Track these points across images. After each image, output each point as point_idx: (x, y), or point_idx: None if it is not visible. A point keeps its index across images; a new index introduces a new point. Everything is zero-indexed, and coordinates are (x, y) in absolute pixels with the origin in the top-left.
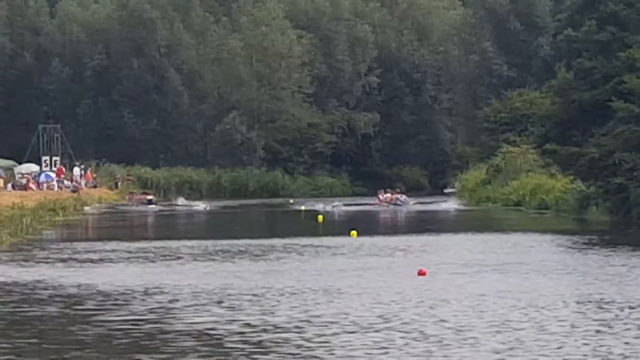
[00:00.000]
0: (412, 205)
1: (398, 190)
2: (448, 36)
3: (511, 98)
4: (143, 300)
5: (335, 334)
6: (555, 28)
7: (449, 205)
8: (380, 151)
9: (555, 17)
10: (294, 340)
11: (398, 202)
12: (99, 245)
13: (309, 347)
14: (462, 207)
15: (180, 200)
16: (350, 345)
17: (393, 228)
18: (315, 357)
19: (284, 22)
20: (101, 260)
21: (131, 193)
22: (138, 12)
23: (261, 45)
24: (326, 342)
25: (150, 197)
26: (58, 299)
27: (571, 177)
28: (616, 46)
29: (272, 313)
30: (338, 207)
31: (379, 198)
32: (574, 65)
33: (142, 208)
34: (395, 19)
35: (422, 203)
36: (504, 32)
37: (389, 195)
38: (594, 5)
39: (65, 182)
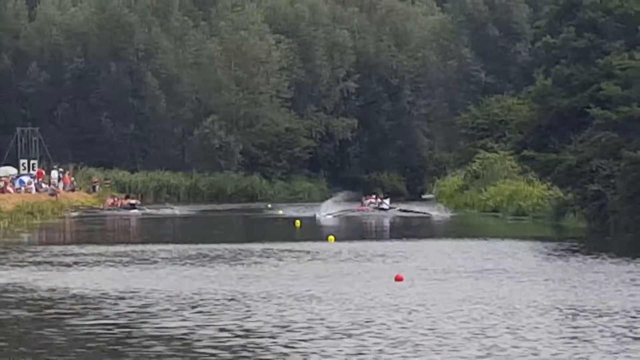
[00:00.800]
0: (397, 211)
1: (382, 195)
2: (426, 42)
3: (489, 104)
4: (115, 304)
5: (310, 339)
6: (533, 35)
7: (440, 213)
8: (358, 156)
9: (533, 24)
10: (269, 345)
11: (383, 206)
12: (75, 248)
13: (283, 353)
14: (450, 215)
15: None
16: (324, 352)
17: (371, 233)
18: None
19: (263, 26)
20: (76, 263)
21: (114, 197)
22: (116, 15)
23: (240, 49)
24: (301, 348)
25: (133, 201)
26: (29, 302)
27: (548, 184)
28: (594, 53)
29: (247, 318)
30: (329, 214)
31: (362, 203)
32: (552, 72)
33: (123, 212)
34: (374, 25)
35: (406, 210)
36: (482, 38)
37: (372, 200)
38: (572, 12)
39: (44, 185)
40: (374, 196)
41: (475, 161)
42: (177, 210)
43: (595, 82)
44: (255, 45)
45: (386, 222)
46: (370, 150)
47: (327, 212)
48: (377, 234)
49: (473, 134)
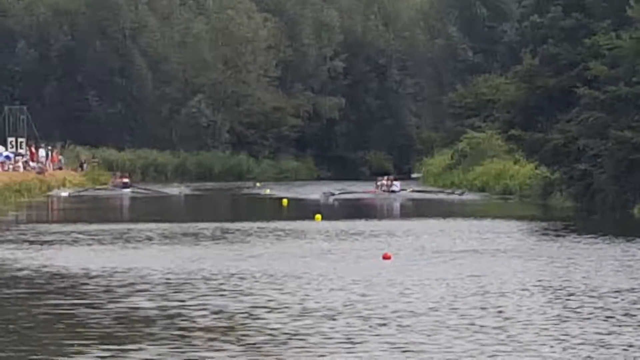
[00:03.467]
0: (409, 192)
1: (392, 177)
2: (414, 21)
3: (476, 84)
4: (93, 283)
5: (295, 319)
6: (520, 14)
7: (454, 194)
8: (345, 135)
9: (520, 3)
10: (253, 325)
11: (393, 188)
12: (62, 227)
13: (269, 333)
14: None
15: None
16: (309, 330)
17: (359, 213)
18: (275, 342)
19: (250, 5)
20: (61, 242)
21: (118, 175)
22: None
23: (227, 28)
24: (286, 328)
25: (126, 180)
26: (7, 280)
27: (536, 163)
28: (581, 33)
29: (233, 298)
30: (333, 196)
31: (376, 185)
32: (539, 51)
33: (116, 192)
34: (362, 4)
35: (419, 191)
36: (470, 17)
37: (384, 182)
38: None
39: (31, 163)
40: (385, 178)
41: (462, 140)
42: (180, 189)
43: (583, 61)
44: (243, 24)
45: (396, 205)
46: (357, 130)
47: (329, 195)
48: (362, 214)
49: (460, 113)
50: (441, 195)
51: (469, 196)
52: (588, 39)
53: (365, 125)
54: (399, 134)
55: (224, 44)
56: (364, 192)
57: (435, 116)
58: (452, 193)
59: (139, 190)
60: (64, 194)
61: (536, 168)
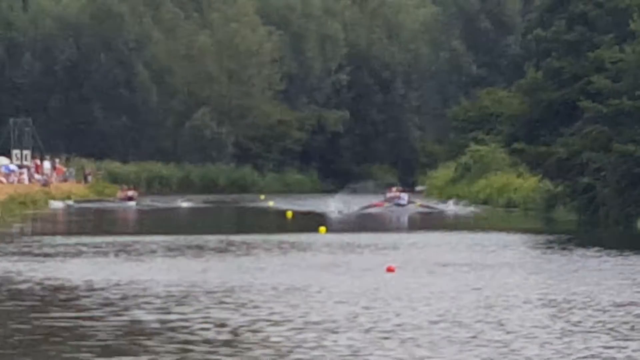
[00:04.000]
0: (417, 207)
1: (400, 188)
2: (418, 34)
3: (480, 97)
4: (95, 295)
5: (297, 332)
6: (524, 27)
7: (459, 209)
8: (350, 149)
9: (524, 17)
10: (255, 339)
11: (400, 202)
12: (66, 239)
13: (271, 346)
14: (474, 210)
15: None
16: (312, 344)
17: (364, 226)
18: (278, 355)
19: (254, 18)
20: (64, 254)
21: (125, 187)
22: (108, 6)
23: (231, 41)
24: (288, 341)
25: (130, 193)
26: (5, 293)
27: (539, 176)
28: (585, 46)
29: (235, 311)
30: (343, 210)
31: (385, 197)
32: (542, 64)
33: (120, 204)
34: (366, 17)
35: (427, 206)
36: (474, 31)
37: (391, 194)
38: (563, 5)
39: (36, 175)
40: (393, 189)
41: (466, 153)
42: (186, 203)
43: (586, 75)
44: (247, 37)
45: (403, 219)
46: (361, 143)
47: (338, 209)
48: (366, 227)
49: (464, 126)
50: (446, 207)
51: (471, 208)
52: (591, 53)
53: (370, 138)
54: (403, 147)
55: (228, 57)
56: (372, 206)
57: (439, 129)
58: (455, 205)
59: (145, 203)
60: (61, 205)
61: (539, 181)
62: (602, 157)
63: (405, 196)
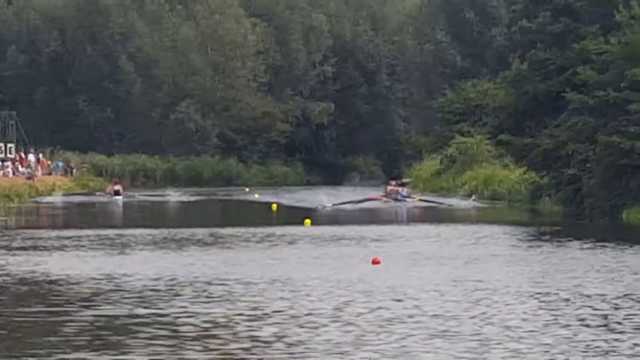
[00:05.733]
0: (417, 201)
1: (399, 182)
2: (403, 26)
3: (465, 88)
4: (77, 288)
5: (281, 326)
6: (509, 19)
7: (467, 203)
8: (335, 140)
9: (509, 8)
10: (239, 332)
11: (399, 197)
12: (51, 233)
13: (254, 340)
14: (479, 205)
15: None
16: (296, 337)
17: (345, 218)
18: (261, 349)
19: (239, 10)
20: (49, 248)
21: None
22: None
23: (216, 33)
24: (272, 335)
25: (117, 187)
26: None
27: (524, 168)
28: (570, 38)
29: (216, 304)
30: (335, 204)
31: (385, 191)
32: (528, 56)
33: (107, 199)
34: (351, 9)
35: (427, 200)
36: (459, 22)
37: (391, 187)
38: None
39: (21, 168)
40: (393, 183)
41: (451, 145)
42: (175, 196)
43: (571, 66)
44: (231, 29)
45: (401, 213)
46: (346, 135)
47: (331, 202)
48: (351, 219)
49: (449, 118)
50: (452, 201)
51: (478, 203)
52: (577, 44)
53: (355, 130)
54: (388, 139)
55: (212, 49)
56: (368, 200)
57: (424, 121)
58: (464, 201)
59: (132, 197)
60: (56, 199)
61: (525, 173)
62: (587, 148)
63: (404, 191)
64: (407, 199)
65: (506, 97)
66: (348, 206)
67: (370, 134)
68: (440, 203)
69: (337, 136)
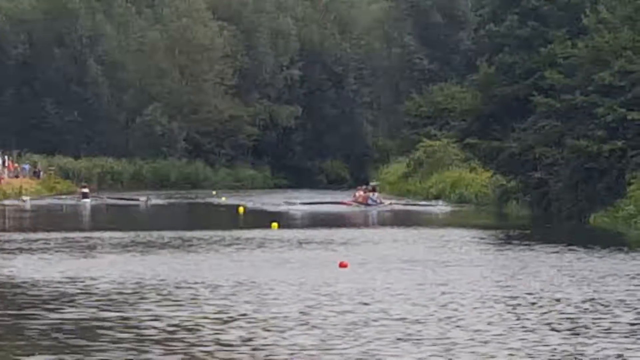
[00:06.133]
0: (388, 205)
1: (370, 187)
2: (370, 30)
3: (432, 92)
4: (40, 291)
5: (246, 330)
6: (477, 23)
7: (438, 208)
8: (302, 144)
9: (476, 12)
10: (203, 336)
11: (370, 202)
12: (15, 235)
13: (219, 343)
14: (448, 209)
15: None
16: (262, 341)
17: (313, 222)
18: (226, 353)
19: (206, 13)
20: (11, 250)
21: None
22: (61, 2)
23: (183, 37)
24: (237, 339)
25: (85, 190)
26: None
27: (492, 171)
28: (537, 41)
29: (180, 307)
30: (295, 205)
31: (354, 196)
32: (495, 60)
33: (75, 202)
34: (318, 12)
35: (403, 204)
36: (426, 26)
37: (361, 193)
38: (516, 0)
39: None
40: (363, 188)
41: (418, 149)
42: (144, 199)
43: (539, 70)
44: (199, 32)
45: (371, 217)
46: (314, 138)
47: (299, 201)
48: (317, 222)
49: (417, 121)
50: (423, 208)
51: (448, 207)
52: (544, 48)
53: (322, 133)
54: (356, 142)
55: (180, 52)
56: (337, 204)
57: (391, 125)
58: (434, 205)
59: (100, 200)
60: (24, 202)
61: (492, 176)
62: (554, 152)
63: (375, 195)
64: (379, 204)
65: (473, 101)
66: (316, 209)
67: (337, 137)
68: (415, 204)
69: (305, 140)
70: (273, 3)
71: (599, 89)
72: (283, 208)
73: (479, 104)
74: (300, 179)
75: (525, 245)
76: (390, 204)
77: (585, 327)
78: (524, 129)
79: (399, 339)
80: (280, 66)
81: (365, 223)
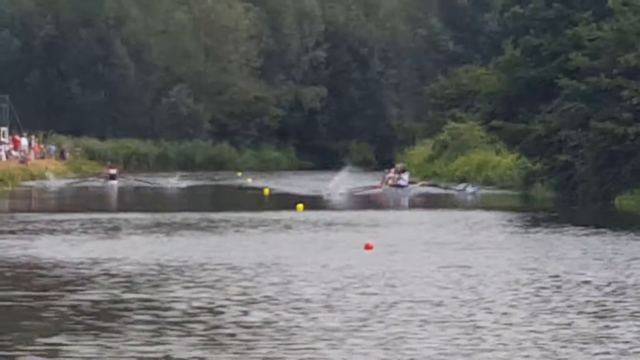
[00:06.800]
0: (419, 187)
1: (399, 167)
2: (395, 11)
3: (458, 74)
4: (57, 273)
5: (271, 311)
6: (502, 5)
7: (470, 191)
8: (327, 125)
9: None
10: (228, 318)
11: (401, 182)
12: (42, 216)
13: (244, 325)
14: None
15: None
16: (288, 323)
17: (339, 204)
18: (251, 335)
19: None
20: (37, 231)
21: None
22: None
23: (208, 18)
24: (262, 320)
25: (113, 171)
26: None
27: (517, 154)
28: (563, 23)
29: (205, 289)
30: (340, 192)
31: (384, 178)
32: (520, 42)
33: (102, 183)
34: None
35: (431, 185)
36: (451, 7)
37: (391, 174)
38: None
39: (14, 152)
40: (392, 170)
41: (443, 131)
42: (173, 181)
43: (564, 52)
44: (224, 13)
45: (403, 201)
46: (339, 120)
47: (337, 189)
48: (343, 204)
49: (442, 103)
50: (454, 191)
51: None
52: (569, 30)
53: (347, 115)
54: (381, 124)
55: (205, 33)
56: (369, 188)
57: (416, 107)
58: (464, 189)
59: (128, 182)
60: (51, 183)
61: (517, 159)
62: (580, 134)
63: (405, 177)
64: (410, 186)
65: (499, 83)
66: (344, 192)
67: (362, 119)
68: (446, 187)
69: (330, 121)
70: None
71: (624, 71)
72: (327, 196)
73: (504, 86)
74: (325, 161)
75: (551, 227)
76: (423, 185)
77: (611, 310)
78: (550, 112)
79: (423, 321)
80: (305, 47)
81: (390, 206)
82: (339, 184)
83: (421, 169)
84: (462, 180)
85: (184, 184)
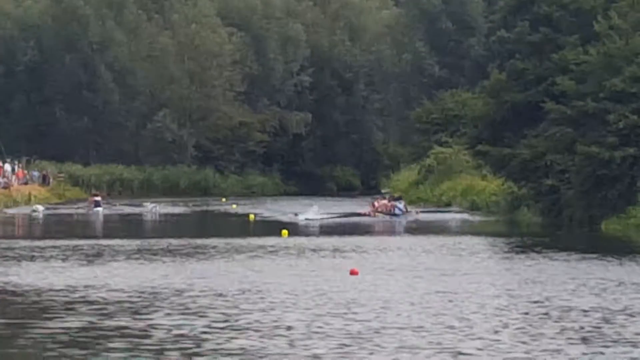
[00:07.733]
0: (415, 214)
1: (393, 195)
2: (380, 36)
3: (443, 99)
4: (36, 300)
5: (255, 338)
6: (487, 29)
7: (460, 216)
8: (312, 151)
9: (487, 18)
10: (211, 344)
11: (396, 211)
12: (25, 243)
13: (228, 352)
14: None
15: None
16: (272, 350)
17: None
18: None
19: (216, 20)
20: (19, 257)
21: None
22: (71, 8)
23: (192, 43)
24: (247, 346)
25: (97, 198)
26: None
27: (503, 179)
28: (549, 48)
29: (188, 316)
30: (312, 218)
31: (373, 206)
32: (506, 66)
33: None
34: (328, 18)
35: (429, 211)
36: (437, 32)
37: (384, 202)
38: (527, 6)
39: None
40: (386, 199)
41: (429, 156)
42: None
43: (550, 76)
44: (208, 38)
45: (398, 227)
46: (324, 145)
47: (315, 214)
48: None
49: (427, 128)
50: (450, 215)
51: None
52: (555, 54)
53: (332, 140)
54: (366, 149)
55: (189, 58)
56: (357, 215)
57: (402, 131)
58: (461, 212)
59: (113, 209)
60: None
61: (503, 183)
62: (566, 159)
63: (400, 205)
64: (406, 214)
65: (484, 107)
66: (327, 217)
67: (347, 144)
68: (442, 212)
69: (315, 146)
70: (282, 9)
71: (611, 95)
72: (300, 222)
73: (490, 110)
74: (310, 186)
75: (537, 252)
76: (417, 212)
77: (599, 335)
78: (535, 136)
79: (408, 347)
80: (290, 72)
81: (376, 231)
82: (312, 214)
83: (406, 194)
84: (448, 204)
85: (161, 210)
